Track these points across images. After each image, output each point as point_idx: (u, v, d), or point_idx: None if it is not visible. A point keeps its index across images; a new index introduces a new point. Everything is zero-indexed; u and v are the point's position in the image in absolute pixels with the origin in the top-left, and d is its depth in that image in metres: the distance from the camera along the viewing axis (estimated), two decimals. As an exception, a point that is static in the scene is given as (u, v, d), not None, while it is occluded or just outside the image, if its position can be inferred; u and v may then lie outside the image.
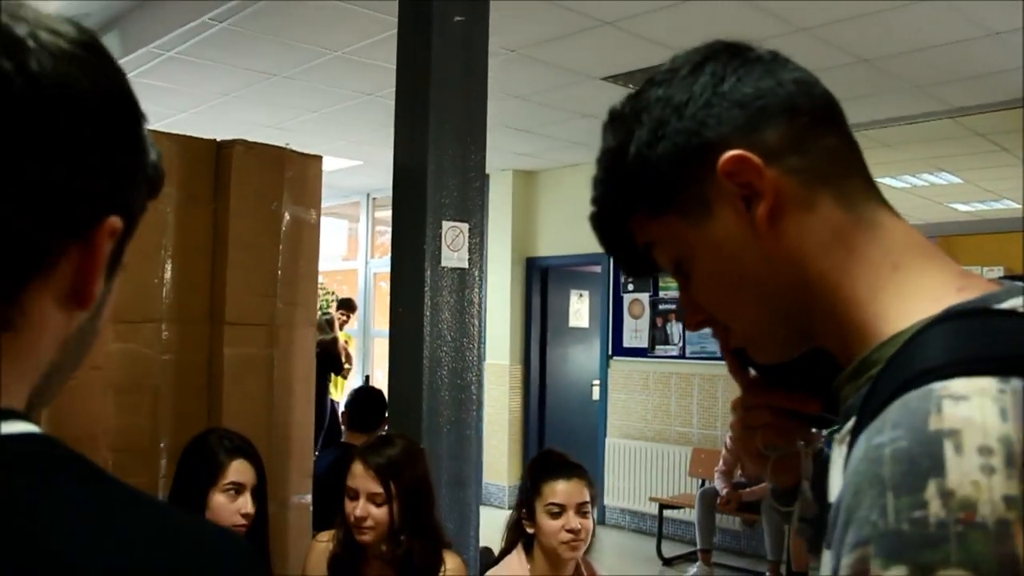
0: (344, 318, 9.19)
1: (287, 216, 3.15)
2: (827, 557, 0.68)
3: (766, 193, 0.76)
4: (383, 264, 9.91)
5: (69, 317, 0.63)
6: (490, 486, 8.61)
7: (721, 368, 6.80)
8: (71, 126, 0.58)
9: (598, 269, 8.44)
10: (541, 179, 8.85)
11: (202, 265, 3.04)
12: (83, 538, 0.55)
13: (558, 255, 8.71)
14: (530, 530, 2.51)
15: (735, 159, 0.76)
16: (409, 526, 2.35)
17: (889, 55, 4.95)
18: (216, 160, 3.09)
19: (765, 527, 6.26)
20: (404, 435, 2.62)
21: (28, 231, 0.57)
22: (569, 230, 8.53)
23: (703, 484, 7.00)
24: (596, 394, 8.59)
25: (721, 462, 6.65)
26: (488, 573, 2.55)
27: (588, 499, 2.53)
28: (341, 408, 5.88)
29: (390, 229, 3.65)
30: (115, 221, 0.62)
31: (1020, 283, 0.70)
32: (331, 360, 8.92)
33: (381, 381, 5.02)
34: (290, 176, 3.17)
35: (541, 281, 8.94)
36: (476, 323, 3.47)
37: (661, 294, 7.79)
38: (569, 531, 2.46)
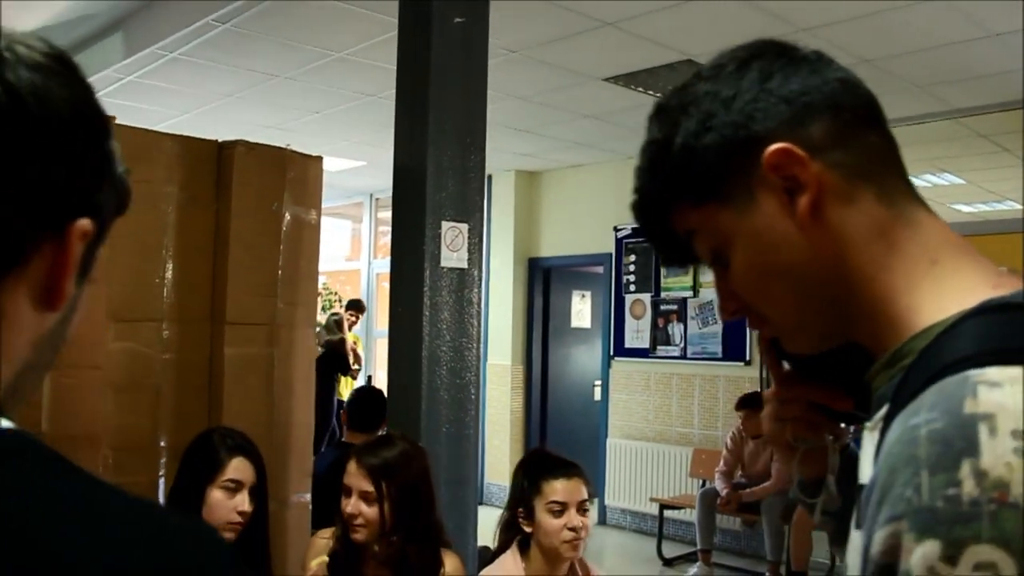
0: (353, 319, 9.21)
1: (288, 216, 3.17)
2: (856, 536, 0.71)
3: (809, 185, 0.79)
4: (386, 264, 9.91)
5: (42, 318, 0.67)
6: (492, 486, 8.63)
7: (722, 369, 6.83)
8: (45, 130, 0.62)
9: (600, 270, 8.45)
10: (543, 180, 8.86)
11: (203, 265, 3.06)
12: (71, 534, 0.57)
13: (560, 255, 8.73)
14: (528, 529, 2.50)
15: (781, 152, 0.79)
16: (403, 527, 2.35)
17: (890, 56, 4.95)
18: (217, 161, 3.11)
19: (765, 528, 6.26)
20: (406, 436, 2.62)
21: (3, 223, 0.61)
22: (571, 231, 8.54)
23: (703, 484, 7.01)
24: (597, 394, 8.60)
25: (722, 462, 6.66)
26: (482, 573, 2.55)
27: (587, 496, 2.54)
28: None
29: (392, 229, 3.66)
30: (86, 223, 0.66)
31: None
32: (338, 360, 8.95)
33: (384, 381, 5.04)
34: (291, 177, 3.18)
35: (543, 281, 8.95)
36: (475, 323, 3.48)
37: (662, 295, 7.80)
38: (571, 529, 2.47)
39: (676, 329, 7.69)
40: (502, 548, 2.56)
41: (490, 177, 8.86)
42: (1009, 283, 0.73)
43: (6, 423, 0.61)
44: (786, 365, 0.99)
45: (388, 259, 3.66)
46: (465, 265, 3.44)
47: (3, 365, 0.64)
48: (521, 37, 4.97)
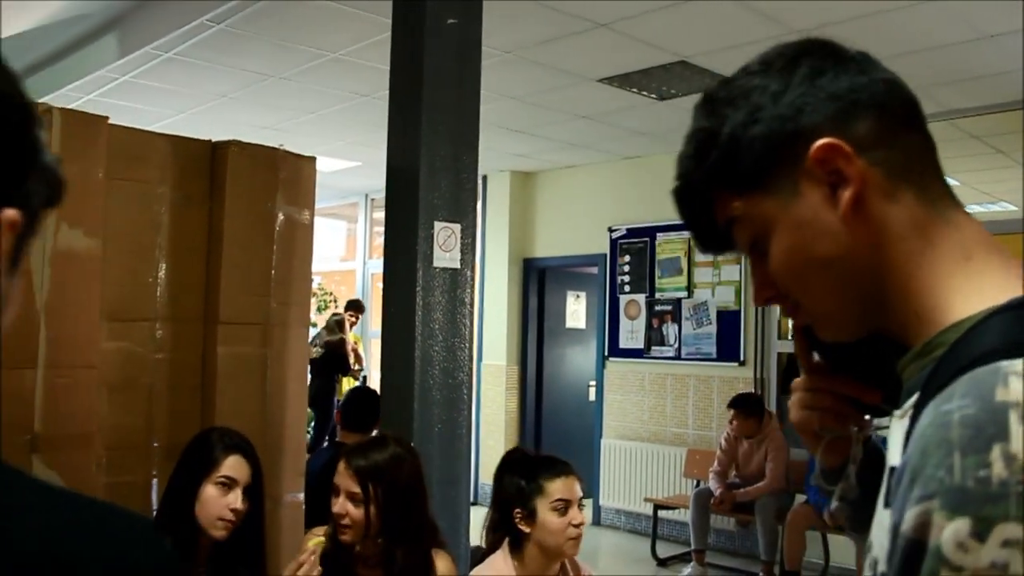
0: (353, 319, 9.22)
1: (281, 216, 3.18)
2: (885, 515, 0.74)
3: (853, 180, 0.82)
4: (381, 265, 9.93)
5: None
6: (486, 486, 8.61)
7: (716, 369, 6.85)
8: None
9: (595, 270, 8.46)
10: (538, 180, 8.87)
11: (196, 264, 3.06)
12: (12, 526, 0.57)
13: (555, 256, 8.74)
14: (526, 529, 2.49)
15: (828, 147, 0.81)
16: (390, 529, 2.35)
17: (884, 57, 4.87)
18: (211, 160, 3.11)
19: (759, 527, 6.28)
20: (400, 439, 2.59)
21: None
22: (566, 231, 8.55)
23: (698, 485, 7.03)
24: (592, 395, 8.61)
25: (716, 463, 6.68)
26: (472, 573, 2.55)
27: (582, 493, 2.58)
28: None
29: (386, 230, 3.67)
30: (12, 214, 0.65)
31: None
32: (338, 361, 8.96)
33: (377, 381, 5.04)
34: (284, 177, 3.19)
35: (538, 282, 8.96)
36: (468, 323, 3.49)
37: (657, 295, 7.81)
38: (575, 526, 2.49)
39: (670, 330, 7.70)
40: (491, 549, 2.56)
41: (485, 178, 8.87)
42: None
43: None
44: (816, 357, 1.02)
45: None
46: (458, 265, 3.45)
47: None
48: (515, 38, 4.98)
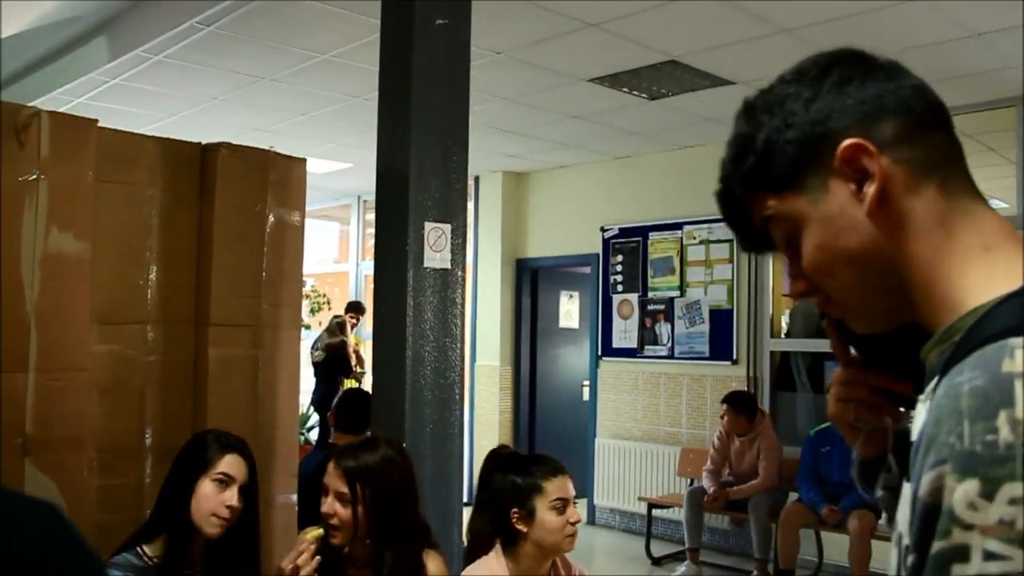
0: (354, 320, 9.22)
1: (271, 218, 3.18)
2: (907, 489, 0.80)
3: (877, 176, 0.87)
4: (374, 266, 9.92)
5: None
6: (481, 487, 8.62)
7: (709, 368, 6.86)
8: None
9: (587, 270, 8.47)
10: (530, 180, 8.88)
11: (187, 267, 3.07)
12: None
13: (548, 256, 8.75)
14: (523, 529, 2.49)
15: (853, 146, 0.87)
16: (379, 530, 2.35)
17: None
18: (201, 163, 3.11)
19: (752, 526, 6.29)
20: (392, 441, 2.57)
21: None
22: (558, 231, 8.56)
23: (691, 483, 7.03)
24: (586, 394, 8.62)
25: (709, 461, 6.69)
26: (464, 573, 2.54)
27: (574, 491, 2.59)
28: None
29: (378, 231, 3.67)
30: None
31: None
32: (340, 363, 8.95)
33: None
34: (274, 179, 3.19)
35: (531, 282, 8.97)
36: (458, 323, 3.50)
37: (650, 295, 7.82)
38: (573, 523, 2.49)
39: (663, 329, 7.71)
40: (486, 549, 2.54)
41: (477, 178, 8.88)
42: None
43: None
44: (852, 351, 1.06)
45: (374, 260, 3.66)
46: (448, 266, 3.46)
47: None
48: (505, 38, 4.99)
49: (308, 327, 9.54)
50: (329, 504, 2.37)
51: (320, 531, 2.38)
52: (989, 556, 0.66)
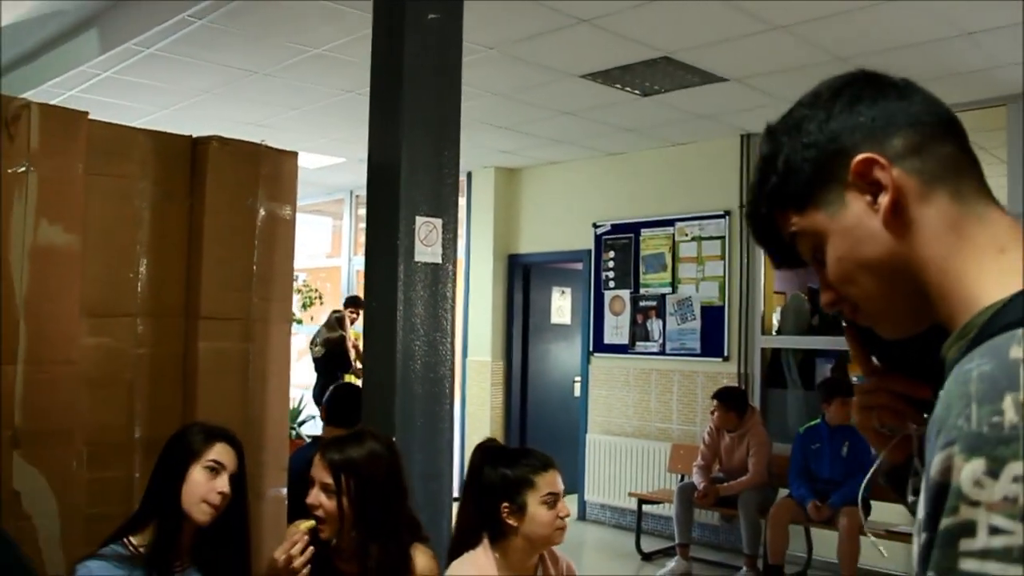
0: (354, 315, 9.21)
1: (262, 212, 3.18)
2: (924, 480, 0.82)
3: (889, 188, 0.92)
4: (366, 261, 9.91)
5: None
6: (472, 482, 8.62)
7: (700, 365, 6.87)
8: None
9: (579, 266, 8.48)
10: (523, 176, 8.88)
11: (177, 260, 3.06)
12: None
13: (540, 252, 8.76)
14: (514, 523, 2.49)
15: (865, 160, 0.92)
16: (365, 523, 2.35)
17: (865, 53, 4.99)
18: (192, 156, 3.11)
19: (742, 521, 6.31)
20: (379, 435, 2.56)
21: None
22: (551, 227, 8.57)
23: (682, 479, 7.05)
24: (577, 390, 8.63)
25: (699, 457, 6.71)
26: (452, 569, 2.53)
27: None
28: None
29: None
30: None
31: None
32: (339, 358, 8.94)
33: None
34: (265, 172, 3.19)
35: (523, 278, 8.97)
36: (449, 317, 3.50)
37: (641, 291, 7.84)
38: (562, 517, 2.50)
39: (655, 325, 7.73)
40: (474, 543, 2.53)
41: (469, 174, 8.88)
42: None
43: None
44: (875, 360, 1.10)
45: (366, 255, 3.65)
46: (439, 260, 3.46)
47: None
48: (498, 34, 4.99)
49: (300, 321, 9.52)
50: (314, 495, 2.37)
51: (313, 522, 2.38)
52: (994, 531, 0.70)
